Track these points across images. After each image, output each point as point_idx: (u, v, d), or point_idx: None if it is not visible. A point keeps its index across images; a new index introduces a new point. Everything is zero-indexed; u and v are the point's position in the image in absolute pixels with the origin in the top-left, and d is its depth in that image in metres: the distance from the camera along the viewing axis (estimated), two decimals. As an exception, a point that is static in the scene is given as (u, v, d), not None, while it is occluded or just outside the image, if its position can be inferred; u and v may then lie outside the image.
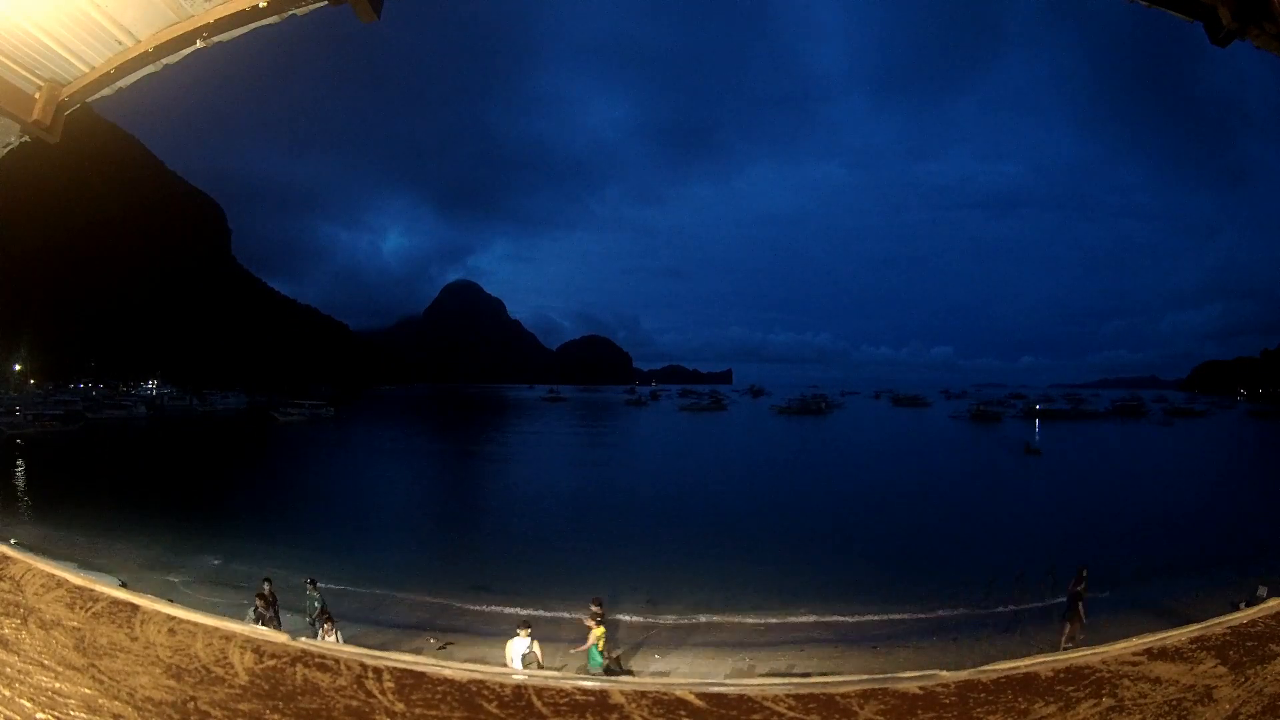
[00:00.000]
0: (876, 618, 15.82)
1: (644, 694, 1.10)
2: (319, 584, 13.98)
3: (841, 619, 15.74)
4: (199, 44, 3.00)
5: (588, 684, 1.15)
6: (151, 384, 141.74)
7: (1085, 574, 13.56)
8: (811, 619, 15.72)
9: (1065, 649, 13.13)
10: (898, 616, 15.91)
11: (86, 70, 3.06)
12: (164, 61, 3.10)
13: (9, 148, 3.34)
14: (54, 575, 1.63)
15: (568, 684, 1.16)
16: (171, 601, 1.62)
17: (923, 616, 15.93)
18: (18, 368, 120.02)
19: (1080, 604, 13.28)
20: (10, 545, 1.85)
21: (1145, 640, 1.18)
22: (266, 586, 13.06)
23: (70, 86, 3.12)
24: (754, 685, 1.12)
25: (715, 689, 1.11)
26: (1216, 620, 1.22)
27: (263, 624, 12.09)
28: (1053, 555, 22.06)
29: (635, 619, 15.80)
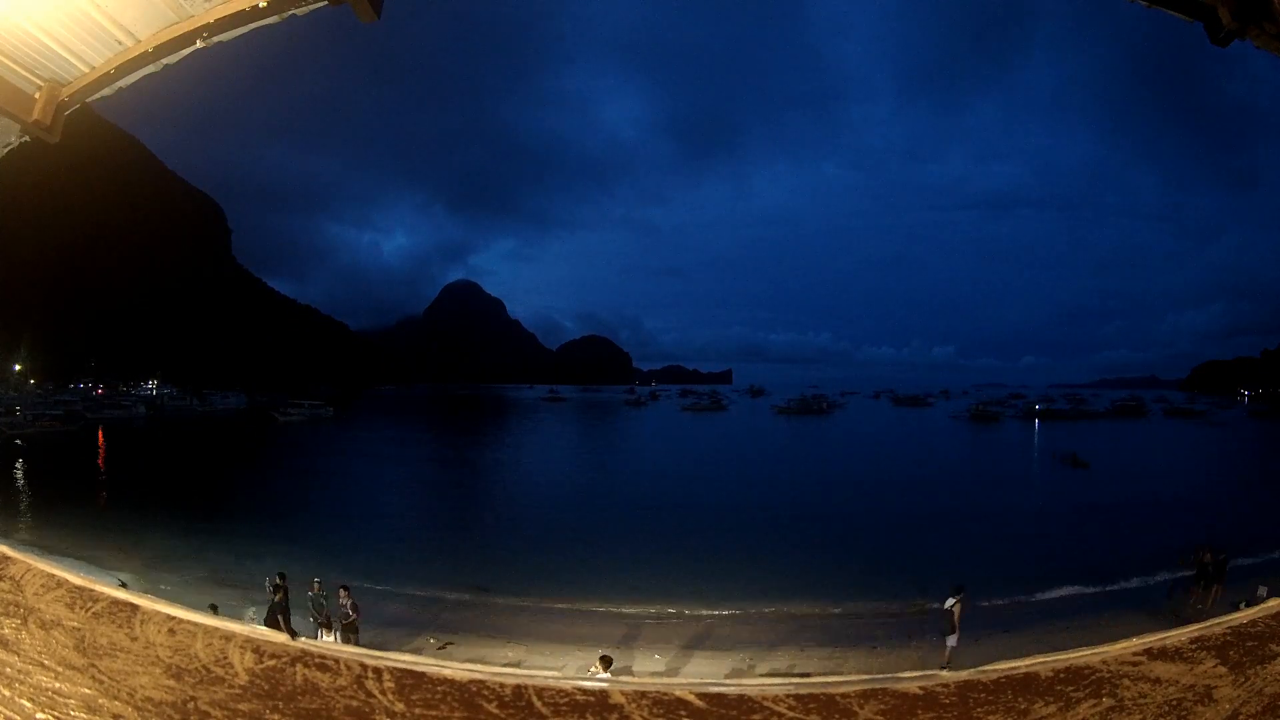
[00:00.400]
0: (877, 618, 15.82)
1: (644, 694, 1.10)
2: (323, 586, 13.92)
3: (842, 618, 15.74)
4: (199, 44, 2.99)
5: (588, 684, 1.15)
6: (151, 384, 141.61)
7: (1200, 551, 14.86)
8: (812, 618, 15.72)
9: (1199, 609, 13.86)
10: (898, 617, 15.91)
11: (86, 70, 3.06)
12: (164, 61, 3.09)
13: (9, 148, 3.34)
14: (54, 575, 1.63)
15: (568, 684, 1.16)
16: (171, 601, 1.62)
17: (923, 616, 15.93)
18: (18, 368, 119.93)
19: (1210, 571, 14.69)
20: (10, 545, 1.85)
21: (1145, 640, 1.18)
22: (277, 595, 12.94)
23: (70, 86, 3.12)
24: (754, 685, 1.12)
25: (715, 689, 1.11)
26: (1216, 620, 1.22)
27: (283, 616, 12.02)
28: (1054, 557, 22.10)
29: (635, 619, 15.81)
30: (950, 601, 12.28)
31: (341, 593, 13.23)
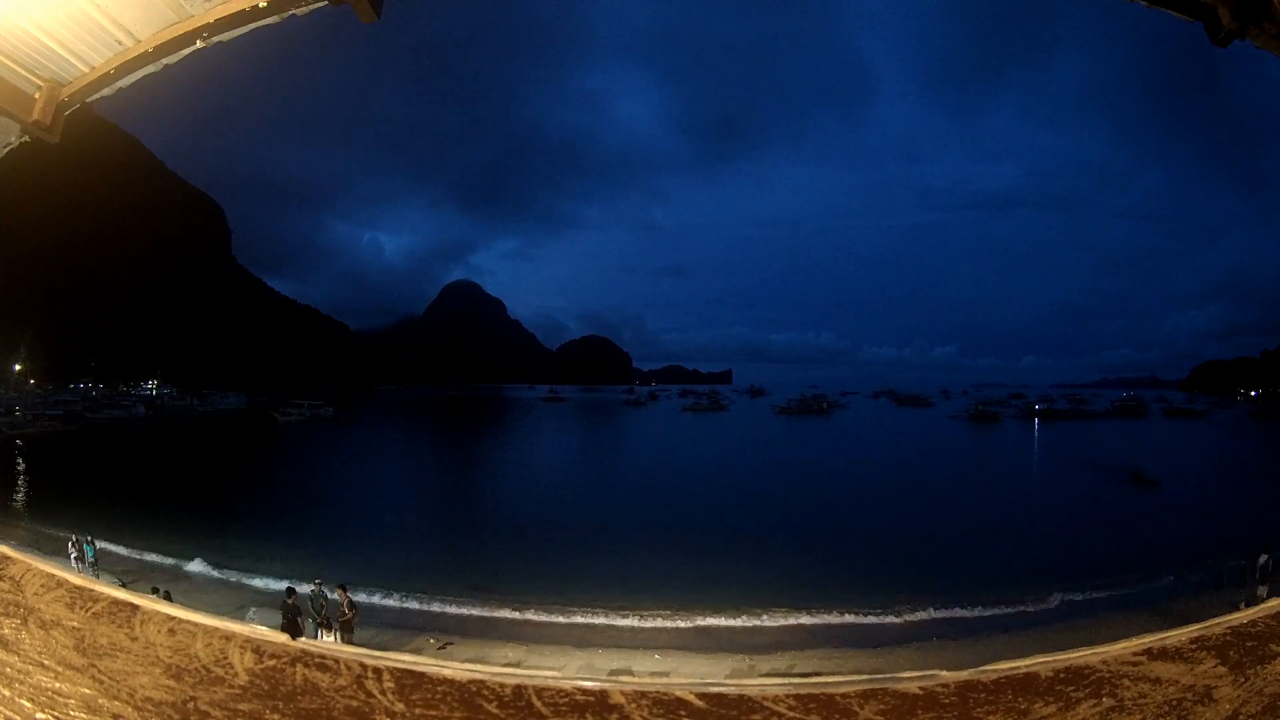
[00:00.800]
0: (877, 618, 15.83)
1: (644, 694, 1.10)
2: (323, 587, 13.94)
3: (841, 619, 15.75)
4: (199, 44, 3.00)
5: (588, 684, 1.15)
6: (151, 384, 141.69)
7: None
8: (812, 619, 15.73)
9: None
10: (898, 617, 15.93)
11: (86, 70, 3.06)
12: (164, 61, 3.10)
13: (9, 148, 3.34)
14: (54, 575, 1.63)
15: (567, 684, 1.16)
16: (171, 601, 1.62)
17: (922, 616, 15.94)
18: (18, 368, 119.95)
19: None
20: (10, 545, 1.86)
21: (1145, 640, 1.18)
22: (291, 598, 12.96)
23: (70, 86, 3.13)
24: (754, 685, 1.12)
25: (715, 689, 1.11)
26: (1216, 620, 1.22)
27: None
28: (1057, 557, 22.09)
29: (636, 619, 15.81)
30: (1263, 559, 14.51)
31: (339, 591, 13.25)
